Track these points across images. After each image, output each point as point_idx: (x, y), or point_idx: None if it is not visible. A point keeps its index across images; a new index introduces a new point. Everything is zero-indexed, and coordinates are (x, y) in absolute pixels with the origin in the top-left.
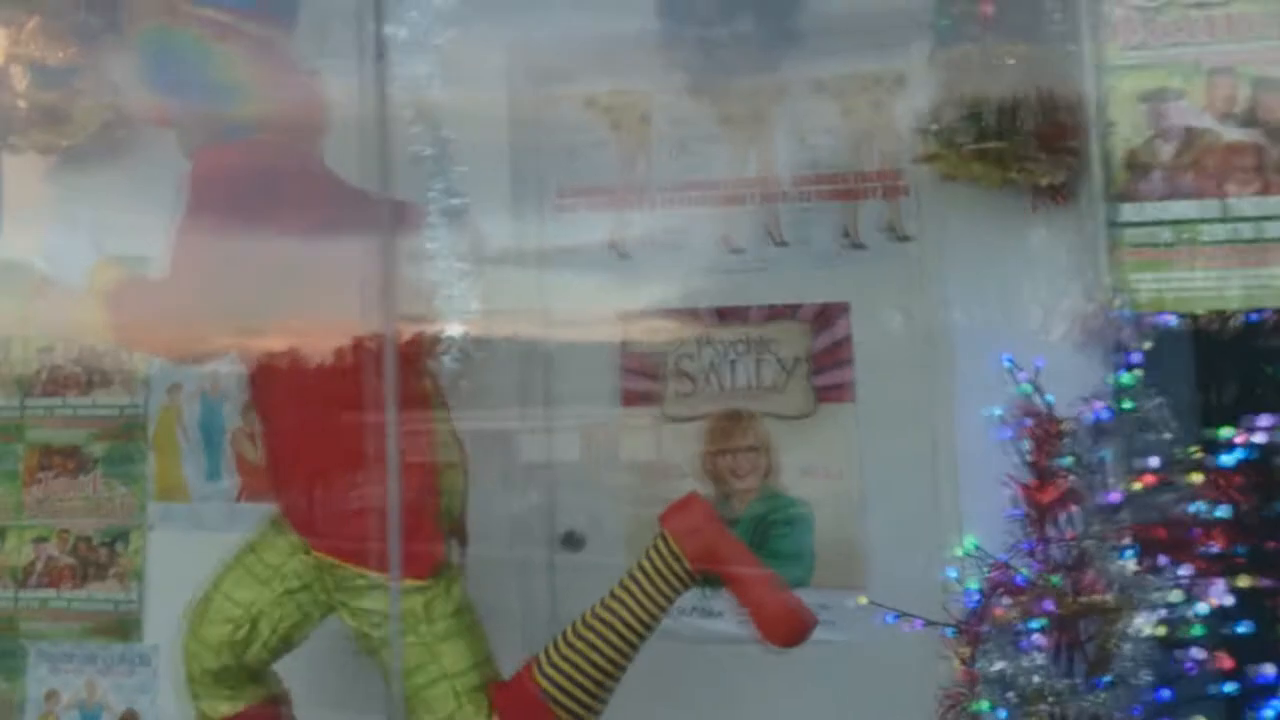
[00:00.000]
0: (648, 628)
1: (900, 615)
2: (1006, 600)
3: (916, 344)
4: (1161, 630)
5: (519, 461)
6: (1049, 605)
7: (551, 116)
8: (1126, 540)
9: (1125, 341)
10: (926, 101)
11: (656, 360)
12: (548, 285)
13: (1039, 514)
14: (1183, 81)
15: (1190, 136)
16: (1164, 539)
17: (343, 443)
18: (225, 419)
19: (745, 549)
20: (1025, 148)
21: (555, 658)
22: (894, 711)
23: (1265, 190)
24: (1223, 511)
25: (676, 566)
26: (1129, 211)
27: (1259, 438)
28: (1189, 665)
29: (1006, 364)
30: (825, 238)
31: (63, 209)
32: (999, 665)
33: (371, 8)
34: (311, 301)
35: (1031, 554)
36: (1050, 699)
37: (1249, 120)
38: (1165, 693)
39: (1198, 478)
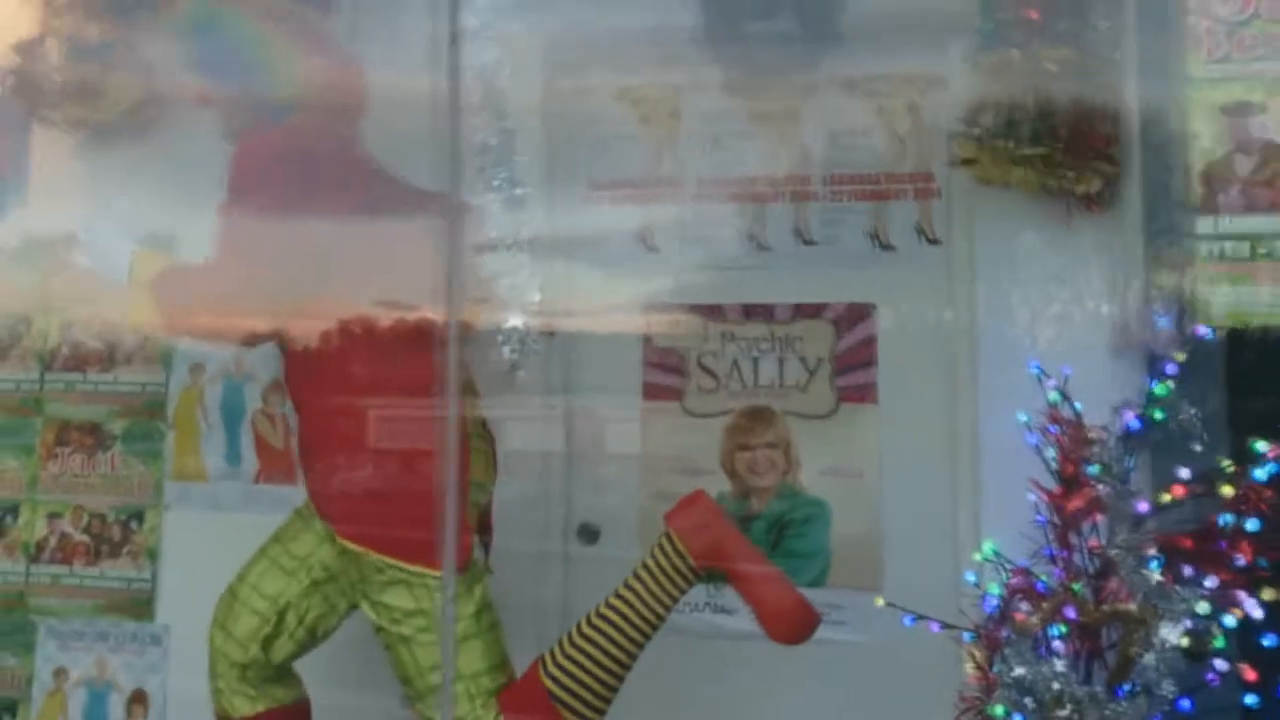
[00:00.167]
0: (654, 625)
1: (918, 617)
2: (1026, 606)
3: (942, 348)
4: (1185, 641)
5: (536, 451)
6: (1071, 612)
7: (584, 108)
8: (1152, 550)
9: (1161, 352)
10: (964, 104)
11: (680, 355)
12: (573, 275)
13: (1064, 521)
14: (1264, 96)
15: (1269, 152)
16: (1191, 549)
17: (380, 430)
18: (247, 401)
19: (751, 545)
20: (1065, 155)
21: (561, 657)
22: (907, 714)
23: None
24: (1252, 524)
25: (681, 564)
26: (1205, 224)
27: None
28: (1211, 676)
29: (1034, 371)
30: (854, 238)
31: (91, 186)
32: (1019, 671)
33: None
34: (355, 285)
35: (1054, 561)
36: (1069, 706)
37: None
38: (1185, 703)
39: (1229, 490)
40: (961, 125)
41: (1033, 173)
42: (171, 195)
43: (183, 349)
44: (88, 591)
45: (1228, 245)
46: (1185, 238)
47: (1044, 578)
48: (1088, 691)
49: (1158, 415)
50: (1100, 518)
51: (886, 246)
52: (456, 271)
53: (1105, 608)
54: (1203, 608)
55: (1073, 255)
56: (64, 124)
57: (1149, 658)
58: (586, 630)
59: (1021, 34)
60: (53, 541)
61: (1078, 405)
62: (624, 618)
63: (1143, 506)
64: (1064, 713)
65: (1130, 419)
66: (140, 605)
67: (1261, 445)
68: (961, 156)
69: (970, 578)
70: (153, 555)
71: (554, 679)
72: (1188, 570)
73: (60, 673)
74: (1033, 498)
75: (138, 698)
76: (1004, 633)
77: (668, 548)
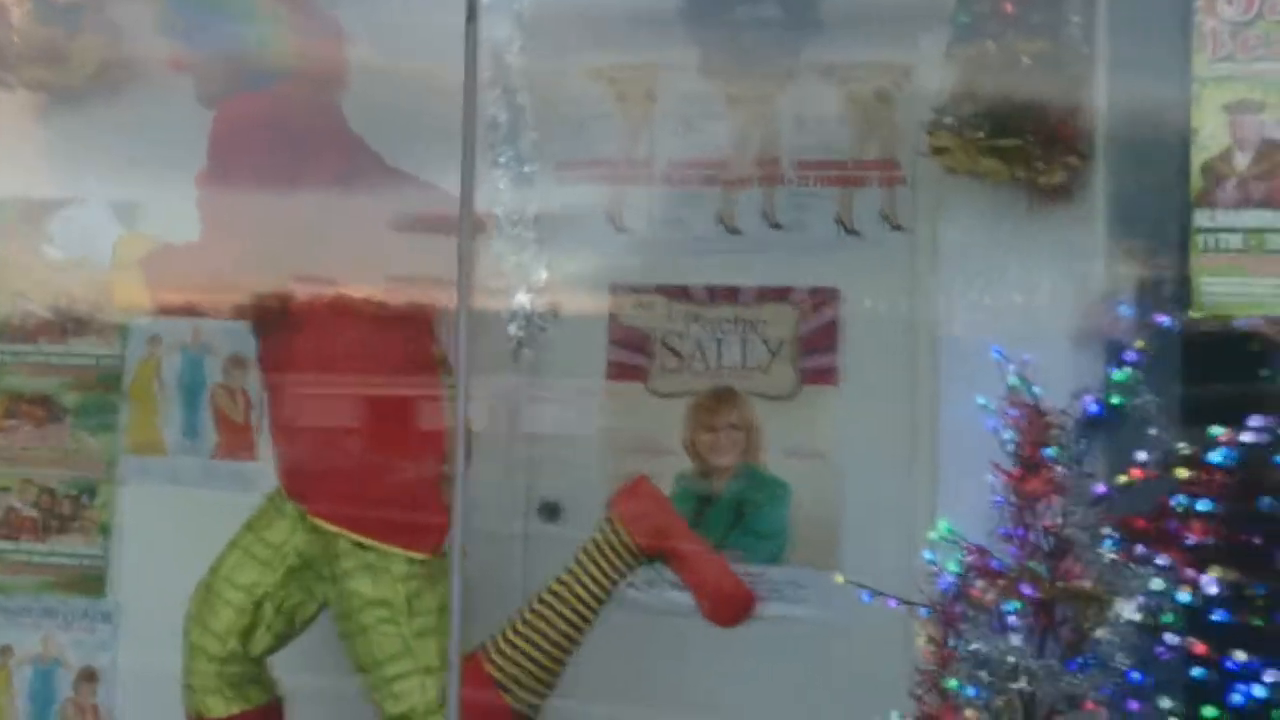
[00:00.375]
0: (595, 609)
1: (875, 594)
2: (981, 583)
3: (903, 333)
4: (1138, 617)
5: (499, 430)
6: (1028, 589)
7: (557, 86)
8: (1108, 530)
9: (1121, 339)
10: (937, 94)
11: (645, 335)
12: (540, 254)
13: (1022, 502)
14: (1263, 95)
15: (1266, 148)
16: (1144, 529)
17: (359, 409)
18: (206, 374)
19: (691, 530)
20: (1036, 147)
21: (504, 644)
22: (864, 687)
23: None
24: (1204, 505)
25: (624, 550)
26: (1202, 217)
27: (1248, 437)
28: (1162, 650)
29: (996, 356)
30: (821, 223)
31: (52, 152)
32: (976, 645)
33: None
34: (341, 261)
35: (1009, 540)
36: (1025, 678)
37: None
38: (1136, 675)
39: (1184, 472)
40: (934, 114)
41: (1003, 163)
42: (140, 162)
43: (139, 320)
44: (35, 567)
45: (1223, 237)
46: (1150, 228)
47: (1001, 557)
48: (1043, 665)
49: (1116, 401)
50: (1057, 499)
51: (852, 232)
52: (466, 252)
53: (1061, 585)
54: (1157, 584)
55: (1035, 245)
56: (24, 87)
57: (1104, 632)
58: (529, 616)
59: (997, 26)
60: None
61: (1037, 390)
62: (566, 602)
63: (1100, 488)
64: (1018, 685)
65: (1090, 404)
66: (91, 581)
67: (1217, 430)
68: (933, 145)
69: (929, 556)
70: (105, 530)
71: (498, 665)
72: (1140, 549)
73: (5, 650)
74: (991, 479)
75: (87, 675)
76: (960, 609)
77: (609, 533)
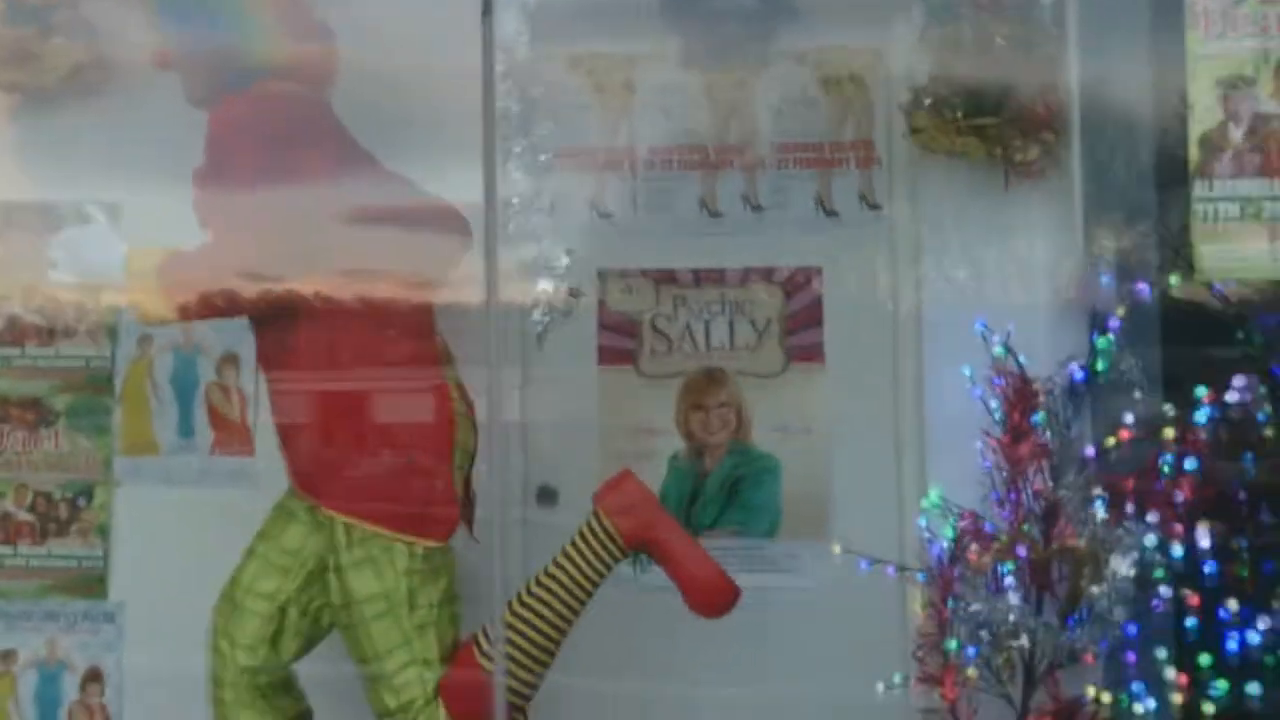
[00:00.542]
0: (581, 602)
1: (874, 562)
2: (976, 547)
3: (885, 308)
4: (1133, 572)
5: (494, 417)
6: (1022, 551)
7: (537, 75)
8: (1097, 491)
9: (1102, 308)
10: (912, 77)
11: (633, 319)
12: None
13: (1012, 468)
14: (1254, 71)
15: (1257, 122)
16: (1133, 489)
17: (371, 403)
18: (199, 373)
19: (677, 524)
20: (1011, 125)
21: (494, 637)
22: (855, 653)
23: None
24: (1190, 464)
25: (610, 544)
26: (1201, 188)
27: (1232, 397)
28: (1156, 603)
29: (979, 328)
30: (801, 204)
31: (26, 153)
32: (975, 606)
33: None
34: (339, 255)
35: (1001, 504)
36: (1025, 636)
37: None
38: (1132, 628)
39: (1170, 433)
40: (912, 96)
41: (981, 142)
42: (117, 162)
43: (128, 321)
44: (34, 572)
45: (1221, 206)
46: (1123, 201)
47: (993, 520)
48: (1042, 622)
49: (1100, 367)
50: (1045, 463)
51: (831, 213)
52: (492, 243)
53: (1055, 545)
54: (1150, 540)
55: (1011, 219)
56: None
57: (1101, 588)
58: (517, 607)
59: (969, 8)
60: None
61: (1021, 359)
62: (553, 594)
63: (1089, 451)
64: (1018, 643)
65: (1075, 371)
66: (92, 583)
67: (1201, 391)
68: (912, 126)
69: (923, 523)
70: (104, 532)
71: (489, 658)
72: (1129, 508)
73: (8, 655)
74: (979, 446)
75: (92, 676)
76: (957, 572)
77: (596, 527)
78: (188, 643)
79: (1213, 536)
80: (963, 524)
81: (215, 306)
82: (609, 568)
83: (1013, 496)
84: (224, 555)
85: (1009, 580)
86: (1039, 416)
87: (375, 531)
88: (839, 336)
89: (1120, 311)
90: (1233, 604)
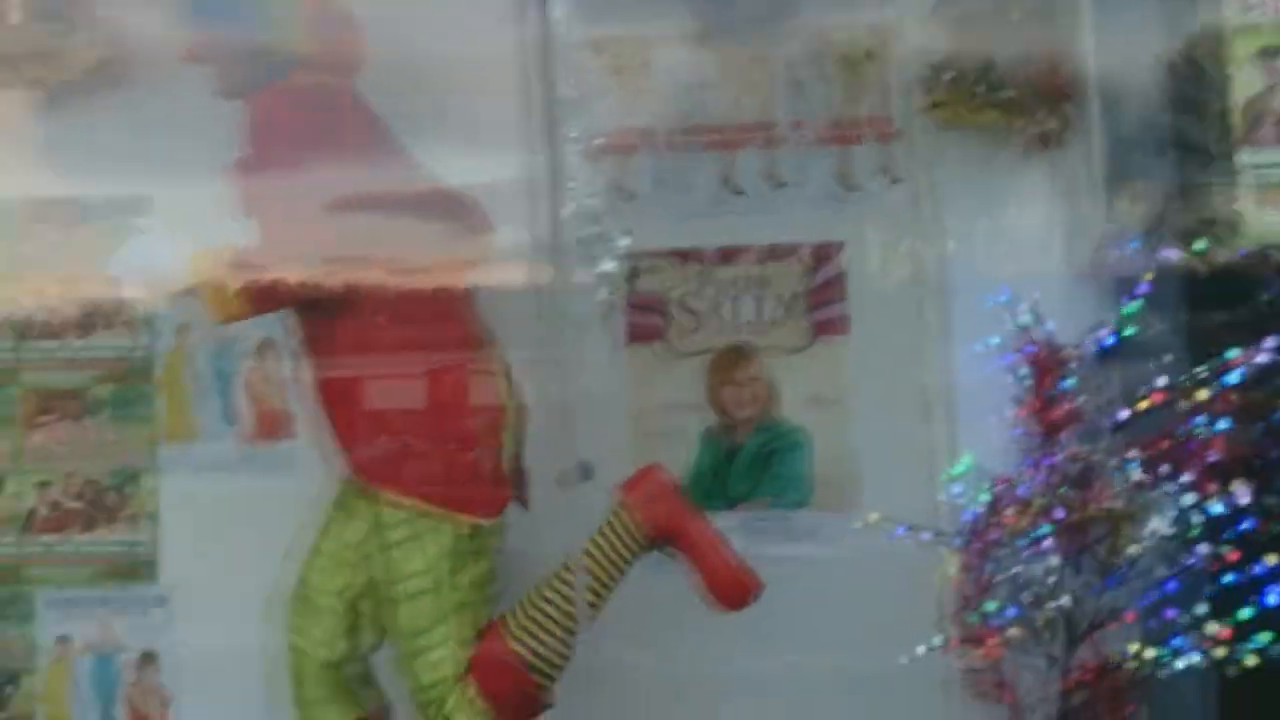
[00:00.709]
0: (607, 590)
1: (910, 529)
2: (1012, 510)
3: (908, 280)
4: (1172, 531)
5: (528, 397)
6: (1059, 513)
7: (558, 58)
8: (1132, 454)
9: (1131, 274)
10: (927, 51)
11: (660, 298)
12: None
13: (1045, 433)
14: None
15: None
16: (1167, 450)
17: (420, 384)
18: (237, 359)
19: (702, 517)
20: (1032, 97)
21: (525, 621)
22: (889, 621)
23: None
24: (1223, 424)
25: (636, 534)
26: (1246, 155)
27: (1263, 358)
28: (1195, 560)
29: (1005, 297)
30: (821, 180)
31: (50, 149)
32: (1016, 569)
33: None
34: (384, 241)
35: (1035, 469)
36: (1067, 597)
37: None
38: (1172, 584)
39: (1203, 394)
40: (930, 71)
41: (1001, 115)
42: (143, 156)
43: (165, 311)
44: (85, 558)
45: (1266, 173)
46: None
47: (1025, 485)
48: (1084, 582)
49: (1129, 332)
50: (1074, 428)
51: (852, 187)
52: (556, 225)
53: (1092, 508)
54: (1188, 499)
55: (1031, 189)
56: (22, 85)
57: (1139, 547)
58: (548, 594)
59: None
60: (44, 511)
61: (1050, 327)
62: (583, 584)
63: (1122, 414)
64: (1059, 602)
65: (1105, 336)
66: (142, 567)
67: (1233, 352)
68: (931, 101)
69: (956, 490)
70: (152, 518)
71: (520, 642)
72: (1164, 469)
73: (63, 641)
74: (1009, 414)
75: (147, 659)
76: (993, 537)
77: (624, 518)
78: (239, 623)
79: (1234, 496)
80: (997, 489)
81: (286, 298)
82: (633, 558)
83: (1046, 461)
84: (268, 538)
85: (1048, 543)
86: (1070, 382)
87: (423, 510)
88: (864, 309)
89: (1148, 277)
90: (1271, 558)
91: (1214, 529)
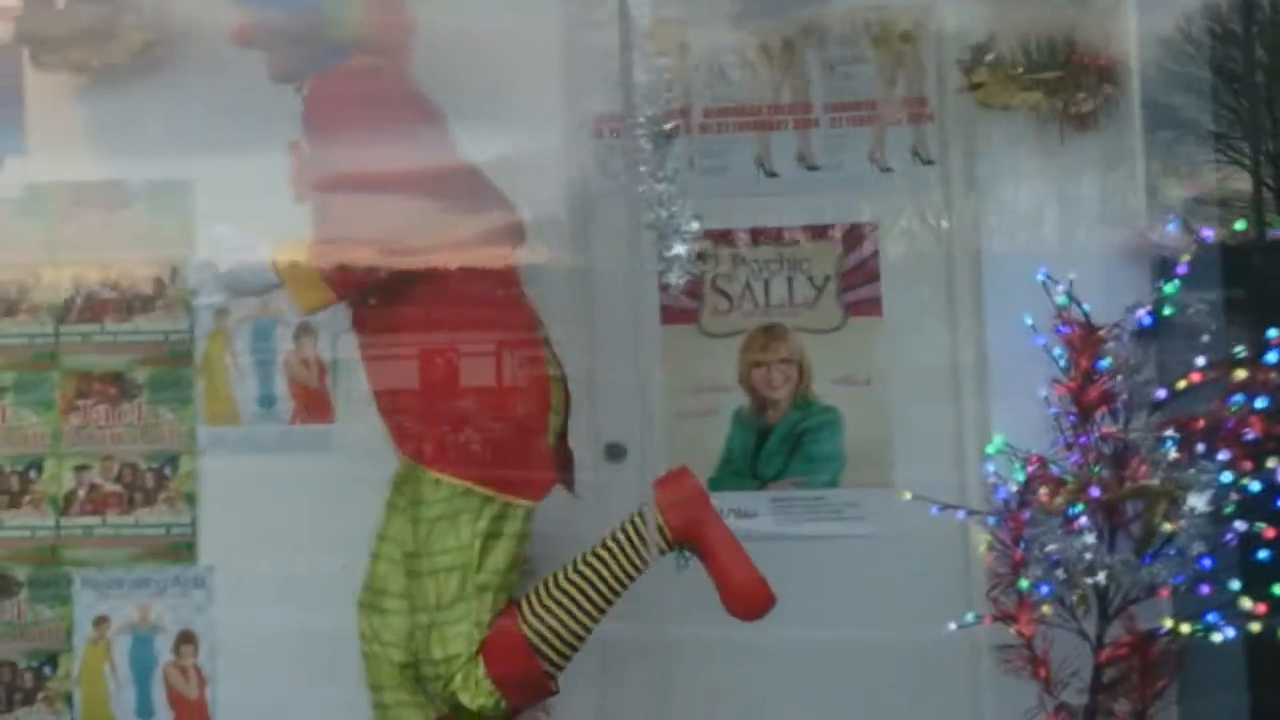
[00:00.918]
0: (624, 585)
1: (944, 507)
2: (1046, 489)
3: (940, 261)
4: (1210, 508)
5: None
6: (1095, 491)
7: (592, 42)
8: (1169, 431)
9: (1168, 254)
10: (962, 32)
11: (694, 278)
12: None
13: (1081, 412)
14: None
15: None
16: (1204, 429)
17: (471, 365)
18: (277, 342)
19: (725, 526)
20: (1074, 77)
21: (539, 608)
22: (920, 597)
23: None
24: (1261, 402)
25: (659, 535)
26: None
27: None
28: (1230, 537)
29: (1042, 277)
30: (854, 162)
31: (96, 131)
32: (1051, 546)
33: None
34: (452, 221)
35: (1069, 448)
36: (1103, 573)
37: None
38: (1206, 561)
39: (1242, 373)
40: (973, 52)
41: (1044, 95)
42: (187, 139)
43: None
44: (124, 540)
45: None
46: (1181, 149)
47: (1058, 463)
48: (1120, 559)
49: (1167, 312)
50: (1111, 407)
51: (885, 169)
52: (638, 213)
53: (1130, 485)
54: (1227, 477)
55: (1067, 170)
56: (68, 69)
57: (1180, 524)
58: (564, 584)
59: None
60: (82, 494)
61: (1085, 307)
62: (598, 574)
63: (1160, 393)
64: (1095, 579)
65: (1143, 316)
66: (182, 549)
67: (1273, 332)
68: (972, 82)
69: (990, 468)
70: (191, 500)
71: (532, 628)
72: (1200, 447)
73: (101, 621)
74: (1044, 393)
75: (185, 638)
76: (1028, 514)
77: (648, 516)
78: (277, 603)
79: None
80: (1031, 468)
81: (366, 284)
82: (652, 557)
83: (1082, 440)
84: (307, 519)
85: (1083, 520)
86: (1106, 362)
87: (465, 489)
88: (896, 290)
89: (1186, 257)
90: None
91: (1249, 506)
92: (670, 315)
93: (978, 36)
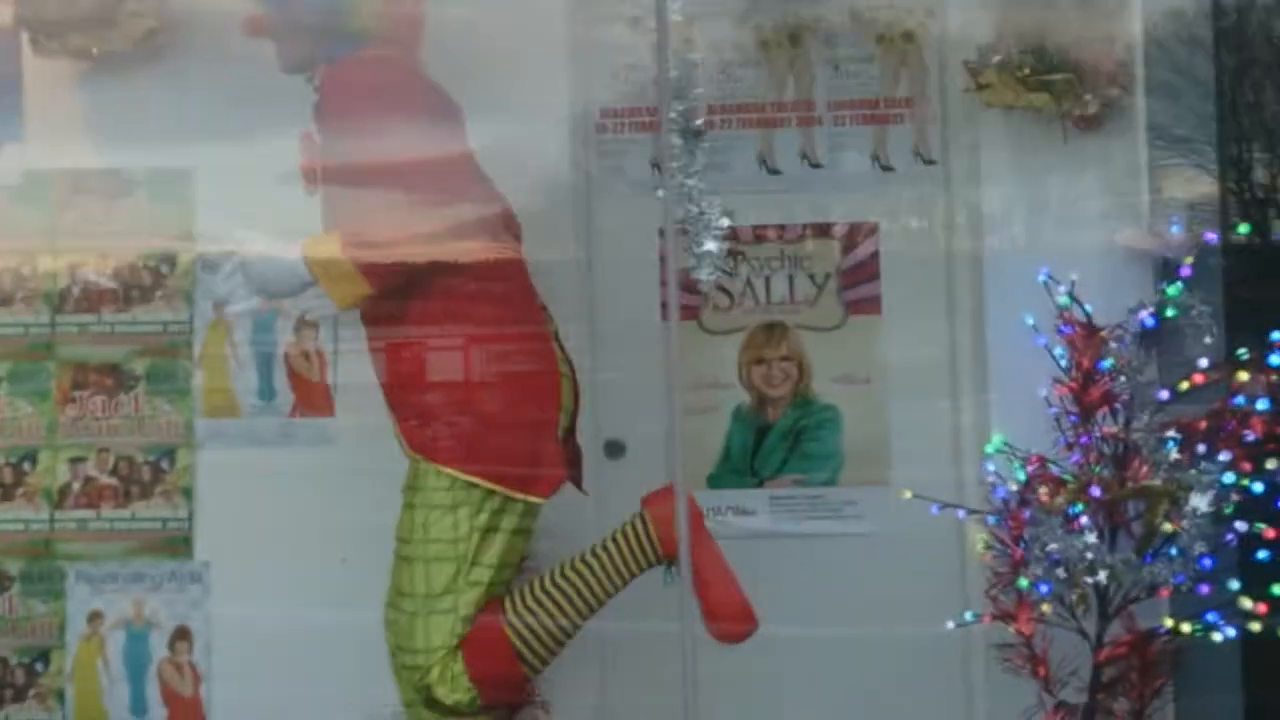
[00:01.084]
0: (609, 594)
1: (944, 506)
2: (1046, 488)
3: (940, 260)
4: (1211, 508)
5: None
6: (1096, 491)
7: (596, 37)
8: (1171, 432)
9: (1172, 256)
10: (965, 33)
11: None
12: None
13: (1082, 412)
14: None
15: None
16: (1205, 430)
17: (482, 362)
18: (278, 334)
19: (715, 545)
20: (1081, 79)
21: (523, 606)
22: (917, 595)
23: None
24: (1262, 404)
25: (649, 548)
26: None
27: None
28: (1230, 537)
29: (1043, 278)
30: (856, 160)
31: (95, 118)
32: (1052, 546)
33: None
34: (470, 214)
35: (1070, 447)
36: (1104, 573)
37: None
38: (1207, 561)
39: (1244, 375)
40: (978, 53)
41: (1050, 97)
42: (187, 127)
43: (204, 285)
44: (119, 534)
45: None
46: (1184, 151)
47: (1058, 464)
48: (1121, 558)
49: (1170, 314)
50: (1112, 408)
51: (887, 168)
52: (670, 211)
53: (1131, 485)
54: (1229, 478)
55: (1068, 172)
56: (68, 55)
57: (1182, 524)
58: (549, 588)
59: None
60: (76, 486)
61: (1088, 308)
62: (585, 580)
63: (1163, 394)
64: (1096, 578)
65: (1146, 317)
66: (178, 544)
67: (1277, 334)
68: (978, 82)
69: (990, 468)
70: (187, 494)
71: (512, 627)
72: (1201, 448)
73: (95, 616)
74: (1044, 394)
75: (181, 634)
76: (1028, 514)
77: (639, 529)
78: (274, 599)
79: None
80: (1031, 468)
81: (401, 277)
82: (641, 569)
83: (1083, 440)
84: (306, 514)
85: (1084, 519)
86: (1108, 362)
87: (471, 482)
88: (896, 288)
89: (1189, 259)
90: None
91: (1250, 508)
92: (669, 312)
93: (981, 37)
